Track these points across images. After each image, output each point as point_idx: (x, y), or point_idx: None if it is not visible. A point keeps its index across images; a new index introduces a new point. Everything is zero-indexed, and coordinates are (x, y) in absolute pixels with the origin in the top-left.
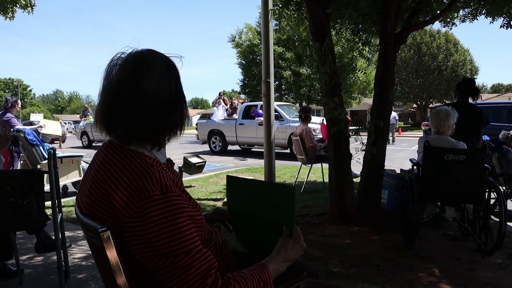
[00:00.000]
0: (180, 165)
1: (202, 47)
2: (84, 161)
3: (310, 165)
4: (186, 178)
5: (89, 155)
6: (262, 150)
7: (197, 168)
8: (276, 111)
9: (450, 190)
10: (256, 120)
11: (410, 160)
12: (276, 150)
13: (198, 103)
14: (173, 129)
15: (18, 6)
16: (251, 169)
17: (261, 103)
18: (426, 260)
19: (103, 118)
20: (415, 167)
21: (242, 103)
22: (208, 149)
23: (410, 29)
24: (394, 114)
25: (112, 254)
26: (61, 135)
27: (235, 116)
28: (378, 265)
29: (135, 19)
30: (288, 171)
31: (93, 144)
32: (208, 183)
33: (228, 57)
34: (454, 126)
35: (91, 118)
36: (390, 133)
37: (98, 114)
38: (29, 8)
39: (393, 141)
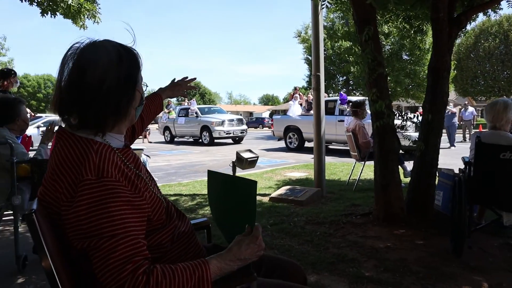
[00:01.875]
0: (233, 160)
1: (271, 44)
2: (144, 154)
3: (363, 162)
4: (240, 173)
5: (170, 149)
6: (341, 147)
7: (250, 163)
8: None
9: (507, 193)
10: (339, 106)
11: (462, 158)
12: (345, 147)
13: (269, 100)
14: (117, 115)
15: (84, 15)
16: (309, 165)
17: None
18: (476, 271)
19: (55, 105)
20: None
21: None
22: (284, 145)
23: (470, 12)
24: (471, 109)
25: (36, 234)
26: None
27: (312, 111)
28: (417, 273)
29: (208, 19)
30: (345, 168)
31: (175, 139)
32: (261, 178)
33: (296, 54)
34: None
35: (173, 114)
36: (467, 130)
37: (52, 101)
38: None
39: (470, 139)
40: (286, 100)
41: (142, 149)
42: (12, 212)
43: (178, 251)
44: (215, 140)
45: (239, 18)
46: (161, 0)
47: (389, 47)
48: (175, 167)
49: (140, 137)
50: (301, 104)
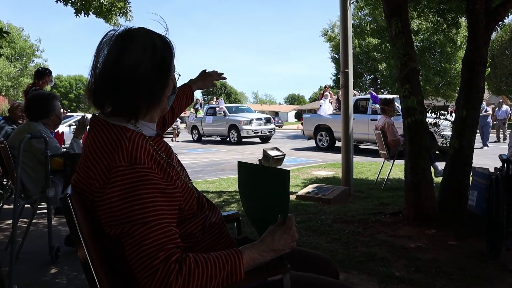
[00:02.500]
0: (260, 158)
1: (297, 43)
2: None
3: (392, 161)
4: None
5: (197, 148)
6: (373, 147)
7: (276, 161)
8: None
9: None
10: (371, 106)
11: (500, 156)
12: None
13: (295, 99)
14: (150, 103)
15: (115, 14)
16: (336, 164)
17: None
18: None
19: (89, 93)
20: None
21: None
22: (314, 145)
23: (510, 4)
24: (506, 107)
25: (70, 216)
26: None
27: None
28: (451, 274)
29: (233, 19)
30: (373, 168)
31: (203, 138)
32: None
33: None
34: None
35: (201, 113)
36: (501, 129)
37: (87, 90)
38: (128, 15)
39: (504, 138)
40: (312, 100)
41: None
42: (46, 204)
43: (209, 241)
44: (243, 139)
45: (265, 17)
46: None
47: (418, 44)
48: (201, 165)
49: (171, 135)
50: (331, 103)
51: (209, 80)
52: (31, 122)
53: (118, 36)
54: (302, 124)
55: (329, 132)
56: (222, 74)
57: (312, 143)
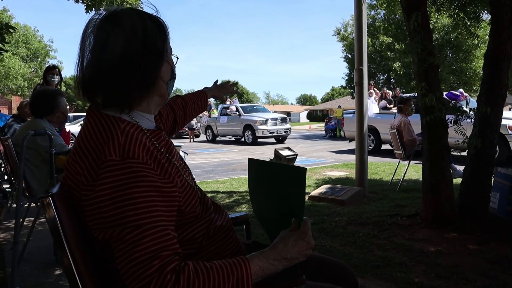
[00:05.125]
0: (272, 158)
1: (309, 43)
2: (182, 151)
3: (408, 161)
4: None
5: (208, 147)
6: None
7: (288, 161)
8: None
9: None
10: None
11: None
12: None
13: (307, 100)
14: (143, 88)
15: None
16: (349, 164)
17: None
18: None
19: (79, 86)
20: None
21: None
22: (350, 147)
23: None
24: None
25: (52, 217)
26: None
27: (394, 109)
28: (474, 281)
29: (247, 20)
30: (387, 168)
31: (217, 138)
32: None
33: (334, 53)
34: None
35: (215, 112)
36: None
37: (75, 84)
38: None
39: None
40: (324, 100)
41: (180, 146)
42: None
43: (214, 248)
44: (258, 140)
45: (277, 18)
46: (201, 1)
47: (433, 43)
48: (212, 165)
49: (186, 136)
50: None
51: (223, 91)
52: (36, 119)
53: (103, 20)
54: (343, 124)
55: (375, 134)
56: (237, 83)
57: (352, 145)
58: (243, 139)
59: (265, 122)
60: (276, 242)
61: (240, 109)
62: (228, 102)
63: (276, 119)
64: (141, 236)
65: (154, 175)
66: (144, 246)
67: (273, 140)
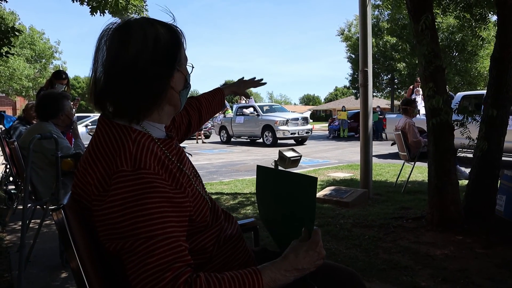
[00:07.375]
0: (275, 159)
1: (312, 44)
2: (186, 152)
3: (413, 162)
4: None
5: (212, 148)
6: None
7: (292, 162)
8: None
9: None
10: None
11: None
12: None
13: (310, 100)
14: (154, 99)
15: (131, 12)
16: (353, 165)
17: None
18: None
19: (91, 93)
20: None
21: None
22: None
23: None
24: None
25: (63, 229)
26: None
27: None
28: (480, 285)
29: (250, 20)
30: (391, 170)
31: (232, 139)
32: None
33: (337, 53)
34: None
35: (230, 112)
36: None
37: (89, 90)
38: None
39: None
40: (328, 100)
41: (184, 147)
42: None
43: (224, 257)
44: (278, 141)
45: (281, 18)
46: (204, 2)
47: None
48: (216, 166)
49: (193, 137)
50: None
51: (245, 85)
52: (42, 122)
53: (115, 30)
54: (384, 125)
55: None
56: (262, 80)
57: (394, 149)
58: (260, 140)
59: (286, 122)
60: (287, 252)
61: (258, 109)
62: (243, 102)
63: (297, 119)
64: (153, 247)
65: (165, 185)
66: (156, 257)
67: (292, 141)
